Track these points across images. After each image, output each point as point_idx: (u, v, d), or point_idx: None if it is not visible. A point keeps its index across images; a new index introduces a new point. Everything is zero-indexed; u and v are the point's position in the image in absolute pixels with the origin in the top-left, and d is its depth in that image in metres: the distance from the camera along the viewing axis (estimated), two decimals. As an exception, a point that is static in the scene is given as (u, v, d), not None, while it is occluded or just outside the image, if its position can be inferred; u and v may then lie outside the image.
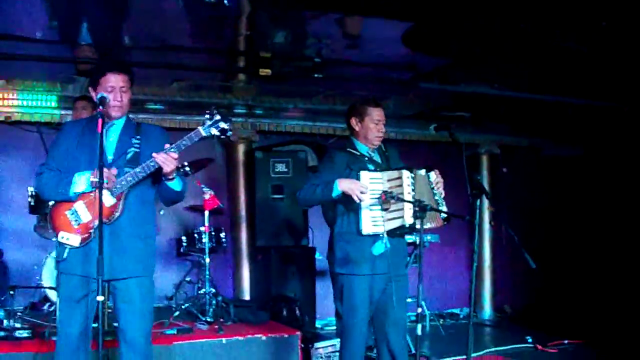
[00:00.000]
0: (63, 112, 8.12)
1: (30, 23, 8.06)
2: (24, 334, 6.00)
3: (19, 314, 6.13)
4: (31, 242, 7.90)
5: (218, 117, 4.09)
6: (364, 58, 8.19)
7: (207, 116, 4.12)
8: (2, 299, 7.00)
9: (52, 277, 7.06)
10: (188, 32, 8.59)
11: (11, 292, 6.13)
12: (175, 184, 4.26)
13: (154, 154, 4.05)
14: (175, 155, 4.07)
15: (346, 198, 4.82)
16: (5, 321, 6.09)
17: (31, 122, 8.26)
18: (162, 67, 8.46)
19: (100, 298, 3.77)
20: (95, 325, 4.15)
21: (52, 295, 7.17)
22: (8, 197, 8.18)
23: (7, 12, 7.94)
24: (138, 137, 4.30)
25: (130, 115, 4.48)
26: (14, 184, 8.11)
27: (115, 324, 4.96)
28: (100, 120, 4.00)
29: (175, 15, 8.52)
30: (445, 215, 5.05)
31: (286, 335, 6.60)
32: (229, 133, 4.18)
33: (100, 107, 4.10)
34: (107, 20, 8.05)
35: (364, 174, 4.82)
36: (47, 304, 7.32)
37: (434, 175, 5.05)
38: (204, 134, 4.12)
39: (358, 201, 4.75)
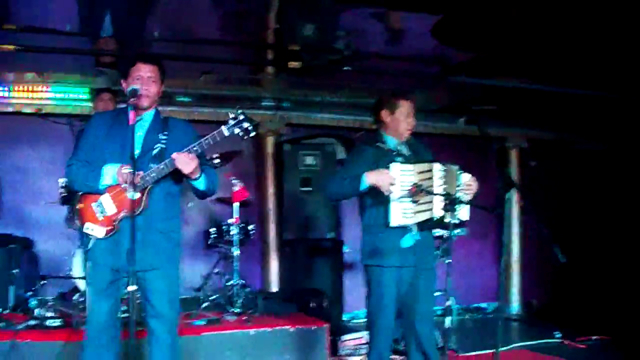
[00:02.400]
0: (94, 104, 8.16)
1: (60, 16, 8.17)
2: (55, 323, 6.08)
3: (49, 303, 6.18)
4: (61, 233, 7.98)
5: (241, 117, 4.09)
6: (393, 51, 8.19)
7: (230, 115, 4.12)
8: (34, 288, 7.07)
9: (82, 267, 7.16)
10: (217, 25, 8.65)
11: (42, 282, 6.20)
12: (198, 183, 4.28)
13: (173, 155, 4.08)
14: (193, 157, 4.08)
15: (374, 191, 4.83)
16: (36, 310, 6.16)
17: (62, 114, 8.34)
18: (190, 59, 8.54)
19: (131, 288, 3.81)
20: (125, 315, 4.21)
21: (82, 285, 7.25)
22: (38, 188, 8.26)
23: (37, 5, 8.06)
24: (165, 132, 4.32)
25: (159, 108, 4.52)
26: (45, 176, 8.19)
27: (143, 314, 5.03)
28: (133, 113, 4.05)
29: (204, 8, 8.60)
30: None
31: (314, 327, 6.63)
32: (252, 133, 4.17)
33: (132, 100, 4.14)
34: (134, 13, 8.15)
35: (394, 165, 4.80)
36: (77, 294, 7.39)
37: (467, 177, 5.03)
38: (226, 133, 4.11)
39: (387, 194, 4.75)
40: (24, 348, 5.73)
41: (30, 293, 7.01)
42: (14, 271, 6.88)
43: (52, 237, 8.18)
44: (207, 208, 8.45)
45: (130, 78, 4.30)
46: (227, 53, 8.98)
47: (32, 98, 8.29)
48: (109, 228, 4.21)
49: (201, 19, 8.84)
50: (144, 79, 4.28)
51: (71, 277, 7.30)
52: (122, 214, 4.18)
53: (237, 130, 4.12)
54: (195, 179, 4.22)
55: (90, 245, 4.27)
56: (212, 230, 7.76)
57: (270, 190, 8.96)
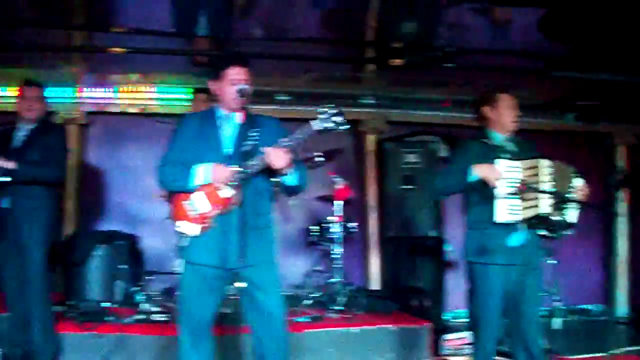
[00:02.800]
0: (192, 105, 8.30)
1: (161, 17, 8.34)
2: (161, 317, 6.20)
3: (155, 298, 6.31)
4: (165, 229, 8.11)
5: (333, 110, 4.05)
6: (496, 46, 8.02)
7: (321, 109, 4.09)
8: (140, 284, 7.22)
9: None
10: (316, 23, 8.67)
11: (150, 278, 6.33)
12: (288, 179, 4.26)
13: (264, 150, 4.07)
14: (285, 151, 4.07)
15: (481, 186, 4.72)
16: (143, 305, 6.29)
17: (166, 114, 8.50)
18: (290, 58, 8.56)
19: (239, 285, 3.82)
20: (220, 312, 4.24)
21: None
22: (144, 186, 8.43)
23: (139, 7, 8.24)
24: (256, 130, 4.30)
25: (257, 107, 4.53)
26: (149, 174, 8.28)
27: (228, 311, 5.07)
28: (243, 113, 4.09)
29: (303, 6, 8.62)
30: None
31: (416, 326, 6.55)
32: (346, 127, 4.11)
33: (243, 98, 4.18)
34: (234, 13, 8.23)
35: (500, 161, 4.69)
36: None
37: (580, 182, 4.86)
38: (317, 127, 4.07)
39: (494, 187, 4.64)
40: (130, 341, 5.88)
41: (136, 288, 7.16)
42: (120, 267, 7.04)
43: (157, 233, 8.33)
44: (308, 206, 8.46)
45: (223, 80, 4.34)
46: (326, 51, 8.99)
47: (137, 98, 8.50)
48: (203, 225, 4.24)
49: (301, 17, 8.88)
50: (240, 82, 4.30)
51: (175, 273, 7.41)
52: (215, 212, 4.20)
53: (328, 125, 4.07)
54: (286, 174, 4.20)
55: (185, 243, 4.30)
56: (313, 227, 7.75)
57: (372, 188, 8.90)
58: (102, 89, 8.46)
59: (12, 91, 8.08)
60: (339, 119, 4.06)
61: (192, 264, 4.31)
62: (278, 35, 8.56)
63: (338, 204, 7.39)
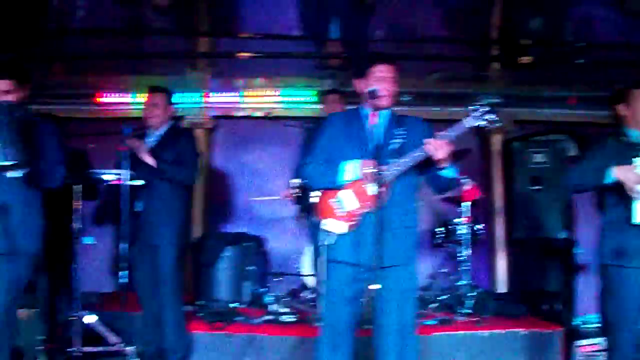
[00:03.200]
0: (322, 106, 8.32)
1: (285, 21, 8.43)
2: (289, 318, 6.24)
3: (284, 299, 6.36)
4: (290, 231, 8.22)
5: (486, 107, 4.01)
6: (628, 39, 7.71)
7: (474, 107, 4.04)
8: (267, 285, 7.31)
9: (311, 265, 7.32)
10: (440, 22, 8.57)
11: (279, 279, 6.39)
12: (447, 172, 4.21)
13: (425, 141, 4.02)
14: (446, 142, 4.02)
15: (619, 186, 4.53)
16: (272, 306, 6.35)
17: (290, 116, 8.58)
18: (414, 58, 8.49)
19: (374, 287, 3.79)
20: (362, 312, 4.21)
21: (311, 282, 7.42)
22: (269, 188, 8.54)
23: (264, 12, 8.35)
24: (403, 128, 4.29)
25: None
26: (275, 176, 8.47)
27: (369, 313, 5.00)
28: (373, 114, 4.08)
29: (427, 6, 8.53)
30: None
31: (547, 331, 6.34)
32: (498, 124, 4.06)
33: (373, 100, 4.17)
34: (357, 14, 8.23)
35: (638, 160, 4.49)
36: (306, 291, 7.56)
37: None
38: (470, 124, 4.04)
39: (630, 194, 4.44)
40: (260, 342, 5.95)
41: (263, 289, 7.25)
42: (248, 268, 7.13)
43: (282, 235, 8.45)
44: (433, 207, 8.37)
45: (369, 78, 4.34)
46: (451, 50, 8.87)
47: (262, 102, 8.61)
48: (350, 223, 4.23)
49: (424, 17, 8.80)
50: (386, 79, 4.30)
51: (302, 275, 7.48)
52: (363, 209, 4.20)
53: (480, 122, 4.04)
54: (444, 168, 4.15)
55: (331, 242, 4.29)
56: (439, 229, 7.64)
57: (498, 188, 8.72)
58: (228, 94, 8.62)
59: (141, 98, 8.35)
60: (491, 116, 4.03)
61: (337, 262, 4.29)
62: (401, 36, 8.51)
63: (465, 205, 7.26)
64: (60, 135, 4.88)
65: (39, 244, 4.67)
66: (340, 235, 4.26)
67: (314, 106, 8.45)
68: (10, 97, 4.65)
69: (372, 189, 4.01)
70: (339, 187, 4.27)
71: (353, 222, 4.22)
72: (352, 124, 4.40)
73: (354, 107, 4.59)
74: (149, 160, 5.50)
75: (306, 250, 7.53)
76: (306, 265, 7.51)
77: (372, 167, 4.02)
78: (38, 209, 4.76)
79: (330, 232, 4.27)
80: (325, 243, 4.28)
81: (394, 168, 4.14)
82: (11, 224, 4.53)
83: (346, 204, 4.24)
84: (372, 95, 4.19)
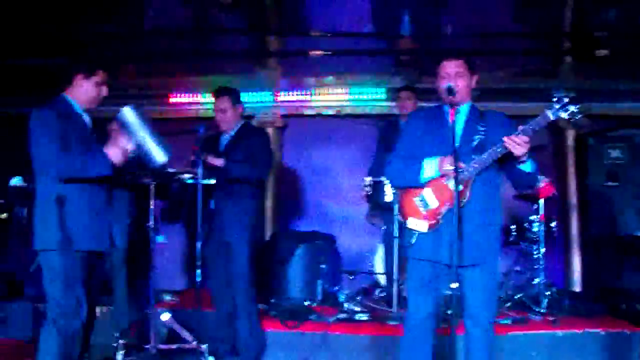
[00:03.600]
0: (391, 103, 8.28)
1: (354, 19, 8.41)
2: (363, 317, 6.22)
3: (358, 297, 6.35)
4: (362, 229, 8.21)
5: (566, 99, 3.93)
6: None
7: (554, 99, 3.97)
8: (341, 283, 7.32)
9: (383, 263, 7.29)
10: (510, 16, 8.44)
11: (352, 277, 6.38)
12: (527, 166, 4.14)
13: (504, 138, 3.96)
14: (526, 139, 3.95)
15: None
16: (346, 304, 6.35)
17: (361, 114, 8.56)
18: (485, 53, 8.38)
19: (454, 285, 3.76)
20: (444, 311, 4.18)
21: (382, 281, 7.39)
22: (340, 186, 8.57)
23: (333, 10, 8.35)
24: (483, 124, 4.25)
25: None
26: (346, 174, 8.48)
27: (449, 311, 4.93)
28: (451, 110, 4.03)
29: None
30: None
31: (627, 332, 6.17)
32: (579, 117, 3.98)
33: (448, 97, 4.14)
34: (428, 9, 8.16)
35: None
36: (378, 290, 7.54)
37: None
38: (552, 117, 3.96)
39: None
40: (334, 340, 5.96)
41: (336, 287, 7.26)
42: (321, 266, 7.13)
43: (353, 233, 8.43)
44: (505, 204, 8.23)
45: (439, 76, 4.31)
46: (522, 45, 8.73)
47: (332, 100, 8.60)
48: (432, 222, 4.20)
49: (495, 11, 8.68)
50: (451, 75, 4.26)
51: (375, 273, 7.46)
52: (445, 207, 4.17)
53: (562, 114, 3.97)
54: (524, 162, 4.09)
55: (413, 240, 4.27)
56: (512, 227, 7.52)
57: (572, 185, 8.55)
58: (298, 92, 8.63)
59: (212, 97, 8.43)
60: (573, 107, 3.95)
61: (418, 260, 4.28)
62: (472, 31, 8.41)
63: (540, 203, 7.13)
64: None
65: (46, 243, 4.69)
66: (422, 234, 4.24)
67: (384, 104, 8.41)
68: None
69: (452, 186, 3.98)
70: (421, 186, 4.25)
71: (434, 221, 4.19)
72: (433, 121, 4.37)
73: (429, 104, 4.57)
74: (217, 162, 5.54)
75: (378, 248, 7.51)
76: (378, 264, 7.49)
77: (452, 165, 3.99)
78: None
79: (413, 230, 4.24)
80: (412, 241, 4.28)
81: (474, 165, 4.10)
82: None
83: (427, 203, 4.22)
84: (449, 91, 4.15)
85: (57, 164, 4.37)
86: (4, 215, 3.93)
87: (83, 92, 4.66)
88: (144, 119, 4.55)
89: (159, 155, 4.56)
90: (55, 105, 4.50)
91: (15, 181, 4.22)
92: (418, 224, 4.23)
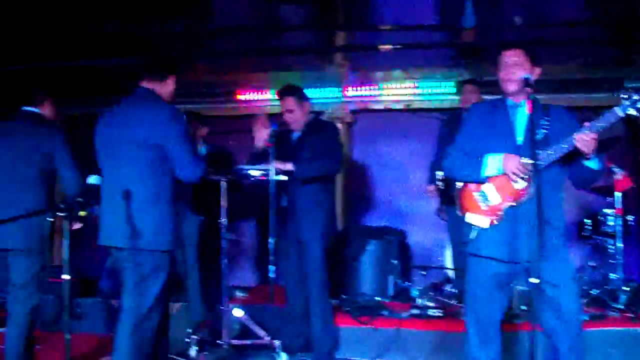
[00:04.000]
0: (459, 97, 8.18)
1: (421, 11, 8.34)
2: (435, 312, 6.18)
3: (430, 293, 6.30)
4: (432, 224, 8.14)
5: (636, 97, 3.81)
6: None
7: (624, 96, 3.85)
8: (413, 278, 7.29)
9: (453, 258, 7.23)
10: (579, 4, 8.26)
11: (423, 273, 6.34)
12: (593, 163, 4.02)
13: (575, 135, 3.85)
14: (594, 136, 3.85)
15: None
16: (418, 300, 6.31)
17: (430, 108, 8.49)
18: (552, 44, 8.22)
19: (533, 280, 3.69)
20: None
21: (453, 276, 7.33)
22: (409, 181, 8.52)
23: (399, 2, 8.29)
24: (547, 118, 4.14)
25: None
26: (415, 169, 8.41)
27: (523, 307, 4.86)
28: (529, 102, 3.95)
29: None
30: None
31: None
32: None
33: (528, 89, 4.04)
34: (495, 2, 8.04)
35: None
36: (449, 285, 7.47)
37: None
38: (621, 114, 3.85)
39: None
40: (406, 335, 5.94)
41: (407, 283, 7.22)
42: (392, 262, 7.10)
43: (423, 228, 8.38)
44: (578, 198, 8.08)
45: (499, 66, 4.22)
46: (592, 34, 8.53)
47: (401, 94, 8.54)
48: (493, 218, 4.12)
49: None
50: (507, 65, 4.17)
51: (446, 268, 7.40)
52: (507, 203, 4.08)
53: (631, 111, 3.83)
54: (590, 159, 3.98)
55: (473, 236, 4.20)
56: (587, 221, 7.37)
57: (651, 177, 8.33)
58: (366, 87, 8.60)
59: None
60: None
61: (480, 257, 4.20)
62: (539, 20, 8.26)
63: (616, 196, 6.95)
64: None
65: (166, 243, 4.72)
66: (483, 230, 4.16)
67: (452, 97, 8.32)
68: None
69: (515, 182, 3.91)
70: (482, 181, 4.16)
71: (495, 217, 4.11)
72: (495, 115, 4.26)
73: (492, 97, 4.49)
74: (287, 166, 5.55)
75: (449, 244, 7.45)
76: (449, 258, 7.43)
77: (515, 160, 3.92)
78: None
79: (474, 226, 4.18)
80: (472, 237, 4.20)
81: (539, 161, 3.95)
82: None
83: (489, 198, 4.14)
84: (526, 83, 4.05)
85: (200, 164, 4.61)
86: (83, 213, 3.99)
87: (170, 91, 4.78)
88: None
89: None
90: None
91: (93, 180, 4.28)
92: (478, 220, 4.16)
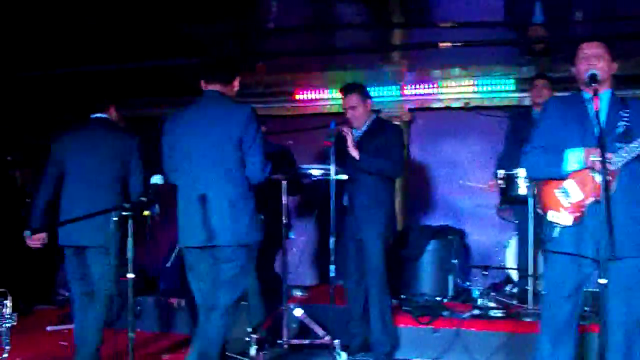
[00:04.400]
0: (520, 94, 8.06)
1: (479, 8, 8.23)
2: (497, 313, 6.09)
3: (491, 293, 6.21)
4: (492, 224, 8.05)
5: None
6: None
7: None
8: (474, 279, 7.20)
9: (515, 258, 7.11)
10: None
11: (485, 273, 6.25)
12: None
13: None
14: None
15: None
16: (480, 300, 6.23)
17: (489, 106, 8.38)
18: (619, 38, 8.00)
19: (602, 281, 3.60)
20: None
21: (514, 276, 7.22)
22: (468, 179, 8.40)
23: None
24: (627, 110, 4.05)
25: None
26: (475, 168, 8.31)
27: (587, 308, 4.74)
28: (596, 99, 3.85)
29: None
30: None
31: None
32: None
33: (593, 85, 3.95)
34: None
35: None
36: (509, 285, 7.37)
37: None
38: None
39: None
40: (467, 336, 5.86)
41: (467, 283, 7.14)
42: (452, 261, 7.03)
43: (483, 227, 8.29)
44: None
45: (578, 59, 4.14)
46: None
47: (459, 92, 8.46)
48: (575, 215, 4.01)
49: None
50: (591, 57, 4.07)
51: (508, 268, 7.29)
52: (589, 199, 3.97)
53: None
54: None
55: (555, 234, 4.10)
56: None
57: None
58: (424, 85, 8.53)
59: (337, 93, 8.45)
60: None
61: (559, 254, 4.10)
62: (603, 15, 8.08)
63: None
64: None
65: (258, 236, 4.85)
66: (563, 227, 4.05)
67: (512, 95, 8.19)
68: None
69: (598, 178, 3.80)
70: (563, 177, 4.06)
71: (578, 214, 4.01)
72: (573, 109, 4.17)
73: (568, 92, 4.40)
74: (354, 153, 5.55)
75: (510, 243, 7.34)
76: (510, 258, 7.31)
77: (597, 155, 3.79)
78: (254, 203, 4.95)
79: (555, 223, 4.08)
80: (553, 235, 4.10)
81: (621, 155, 3.88)
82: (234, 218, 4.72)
83: (571, 195, 4.03)
84: (592, 79, 3.96)
85: (268, 164, 4.77)
86: (147, 212, 4.04)
87: (235, 92, 4.95)
88: None
89: None
90: None
91: (156, 179, 4.34)
92: (560, 217, 4.05)
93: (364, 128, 5.85)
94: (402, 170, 5.91)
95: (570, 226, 4.03)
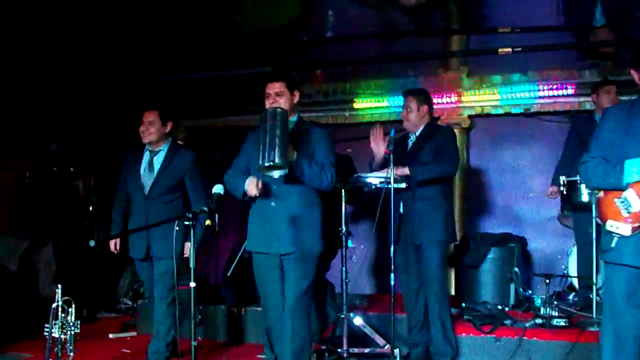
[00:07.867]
0: (581, 99, 7.95)
1: (540, 13, 8.13)
2: (561, 322, 6.00)
3: (554, 302, 6.11)
4: (553, 231, 7.96)
5: None
6: None
7: None
8: (537, 287, 7.11)
9: (577, 266, 7.00)
10: None
11: (547, 281, 6.17)
12: None
13: None
14: None
15: None
16: (542, 309, 6.14)
17: (550, 112, 8.28)
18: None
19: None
20: None
21: (578, 285, 7.10)
22: (530, 186, 8.34)
23: (515, 4, 8.12)
24: None
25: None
26: (536, 174, 8.24)
27: None
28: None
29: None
30: None
31: None
32: None
33: None
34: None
35: None
36: (572, 294, 7.26)
37: None
38: None
39: None
40: (530, 346, 5.78)
41: (529, 291, 7.06)
42: (514, 269, 6.95)
43: (544, 235, 8.19)
44: None
45: None
46: None
47: (519, 98, 8.37)
48: (636, 225, 3.92)
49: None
50: None
51: (571, 277, 7.18)
52: None
53: None
54: None
55: (612, 244, 4.01)
56: None
57: None
58: (483, 92, 8.47)
59: (396, 101, 8.49)
60: None
61: (620, 265, 4.00)
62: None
63: None
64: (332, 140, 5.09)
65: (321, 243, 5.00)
66: (623, 237, 3.96)
67: (573, 100, 8.07)
68: (282, 101, 4.93)
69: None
70: (622, 188, 3.95)
71: (637, 224, 3.92)
72: (632, 117, 4.05)
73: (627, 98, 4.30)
74: (404, 171, 5.52)
75: (573, 250, 7.22)
76: (573, 266, 7.19)
77: None
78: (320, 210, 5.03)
79: (614, 233, 4.00)
80: (611, 245, 4.00)
81: None
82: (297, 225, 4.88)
83: (631, 205, 3.92)
84: None
85: (335, 173, 4.97)
86: (209, 222, 4.09)
87: (297, 102, 5.12)
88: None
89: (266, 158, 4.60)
90: None
91: (218, 189, 4.41)
92: (620, 227, 3.95)
93: (417, 133, 5.85)
94: (456, 169, 5.84)
95: (629, 237, 3.95)
